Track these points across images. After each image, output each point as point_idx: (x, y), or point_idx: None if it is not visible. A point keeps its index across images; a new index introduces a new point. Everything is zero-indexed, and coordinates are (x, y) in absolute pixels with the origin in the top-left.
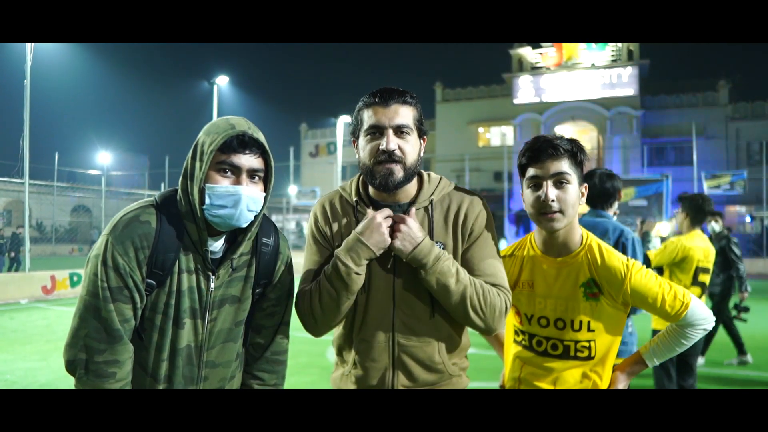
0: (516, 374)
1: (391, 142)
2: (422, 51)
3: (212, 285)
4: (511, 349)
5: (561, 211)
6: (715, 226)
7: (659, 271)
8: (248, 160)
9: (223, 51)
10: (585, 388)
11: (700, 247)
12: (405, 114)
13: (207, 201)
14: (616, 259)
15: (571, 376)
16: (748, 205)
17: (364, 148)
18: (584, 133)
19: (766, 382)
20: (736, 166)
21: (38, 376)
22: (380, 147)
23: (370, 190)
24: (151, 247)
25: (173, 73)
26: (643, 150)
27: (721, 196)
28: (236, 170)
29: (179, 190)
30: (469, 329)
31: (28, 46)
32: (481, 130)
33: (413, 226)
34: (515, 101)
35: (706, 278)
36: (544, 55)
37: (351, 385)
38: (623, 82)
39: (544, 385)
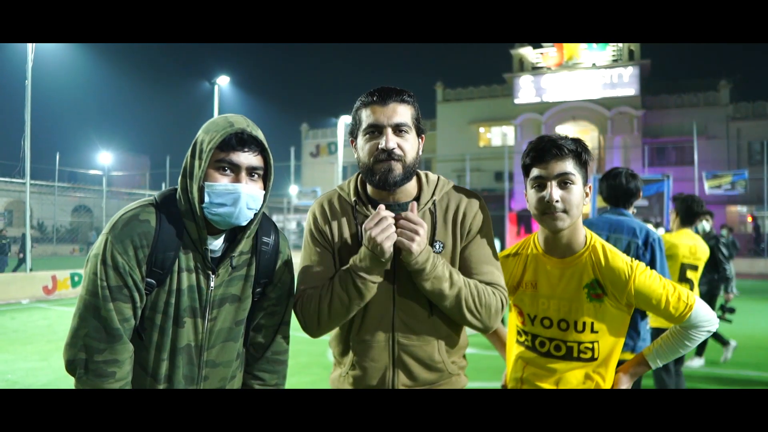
0: (518, 375)
1: (390, 140)
2: (423, 51)
3: (212, 284)
4: (514, 349)
5: (565, 211)
6: (705, 225)
7: None
8: (247, 158)
9: (224, 51)
10: (587, 389)
11: (686, 244)
12: (403, 112)
13: (206, 199)
14: (620, 260)
15: (573, 377)
16: (749, 205)
17: (362, 147)
18: (585, 133)
19: (766, 382)
20: (737, 165)
21: (39, 376)
22: (379, 146)
23: (369, 189)
24: (150, 246)
25: (174, 74)
26: (644, 150)
27: (722, 195)
28: (235, 168)
29: (179, 189)
30: (467, 328)
31: (30, 46)
32: (482, 130)
33: (424, 229)
34: (516, 101)
35: (693, 275)
36: (545, 55)
37: (350, 385)
38: (624, 82)
39: (547, 385)
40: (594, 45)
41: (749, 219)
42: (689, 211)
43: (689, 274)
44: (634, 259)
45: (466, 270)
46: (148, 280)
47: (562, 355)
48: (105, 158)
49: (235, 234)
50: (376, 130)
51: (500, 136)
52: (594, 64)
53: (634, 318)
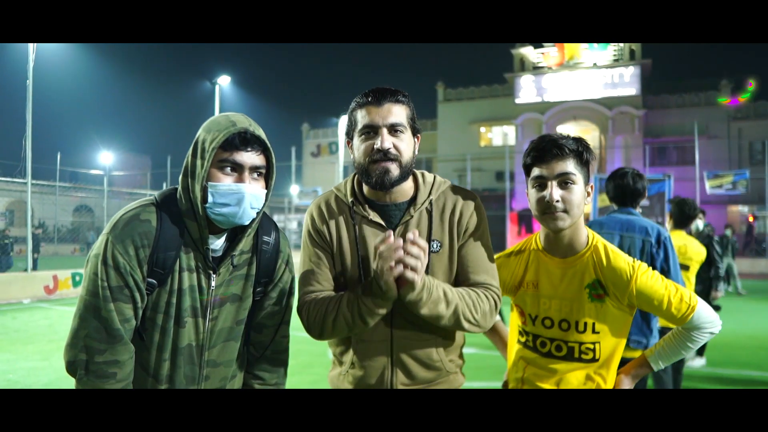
0: (519, 375)
1: (386, 140)
2: (424, 51)
3: (213, 283)
4: (515, 349)
5: (566, 211)
6: (699, 223)
7: None
8: (250, 158)
9: (225, 51)
10: (588, 389)
11: (675, 245)
12: (398, 113)
13: (210, 199)
14: (621, 260)
15: (574, 378)
16: (751, 204)
17: (358, 147)
18: (586, 133)
19: (767, 382)
20: (739, 165)
21: (40, 376)
22: (375, 146)
23: (365, 190)
24: (151, 246)
25: (175, 73)
26: (645, 150)
27: (723, 195)
28: (238, 168)
29: (179, 188)
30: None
31: (31, 46)
32: (482, 129)
33: (425, 257)
34: (517, 101)
35: (685, 275)
36: (546, 54)
37: (349, 385)
38: (625, 82)
39: (547, 386)
40: (595, 45)
41: (750, 219)
42: (681, 214)
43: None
44: (636, 259)
45: (462, 270)
46: (149, 280)
47: (564, 356)
48: (106, 158)
49: (235, 233)
50: (371, 131)
51: (501, 135)
52: (595, 64)
53: (647, 316)
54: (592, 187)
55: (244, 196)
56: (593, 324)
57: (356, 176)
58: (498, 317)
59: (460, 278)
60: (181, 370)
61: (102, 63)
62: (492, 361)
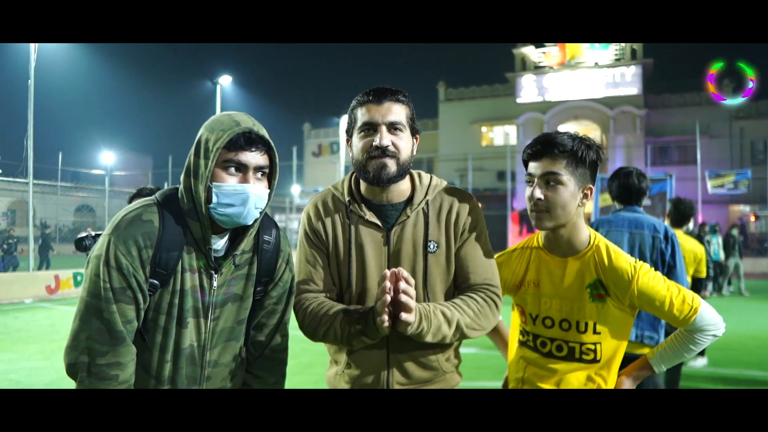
0: (519, 375)
1: (385, 137)
2: (425, 50)
3: (215, 283)
4: (516, 349)
5: (548, 211)
6: (690, 225)
7: None
8: (255, 158)
9: (226, 51)
10: (587, 389)
11: None
12: (398, 111)
13: (214, 200)
14: (623, 260)
15: (575, 379)
16: (752, 204)
17: (357, 144)
18: (587, 132)
19: None
20: (740, 165)
21: (42, 376)
22: (374, 143)
23: (363, 189)
24: (154, 247)
25: (176, 73)
26: (647, 149)
27: (725, 195)
28: (243, 168)
29: (181, 188)
30: None
31: (32, 46)
32: (484, 129)
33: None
34: (518, 100)
35: None
36: (547, 54)
37: (345, 384)
38: (626, 81)
39: (548, 386)
40: (596, 44)
41: (752, 218)
42: (678, 213)
43: None
44: (638, 260)
45: (461, 271)
46: (152, 280)
47: (564, 356)
48: (107, 158)
49: (237, 232)
50: (371, 128)
51: (502, 135)
52: (596, 63)
53: None
54: (590, 189)
55: (248, 196)
56: (594, 324)
57: (353, 175)
58: (499, 317)
59: (460, 280)
60: (183, 371)
61: (103, 63)
62: (492, 361)
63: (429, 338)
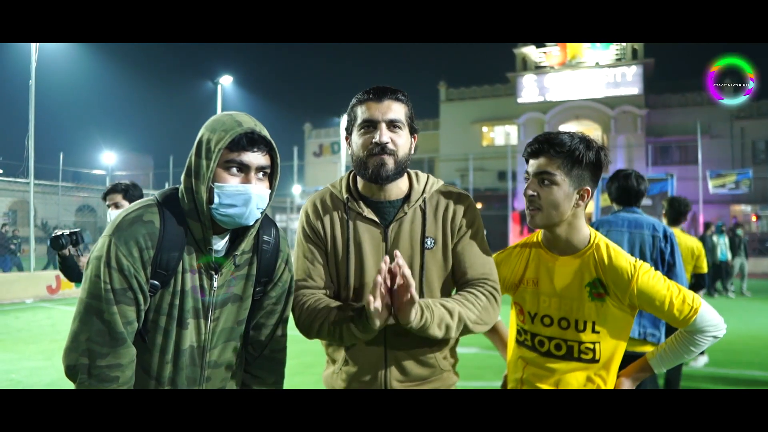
0: (518, 375)
1: (384, 134)
2: (426, 51)
3: (215, 284)
4: (514, 349)
5: (540, 209)
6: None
7: None
8: (257, 158)
9: (227, 51)
10: (586, 389)
11: None
12: (397, 109)
13: (216, 200)
14: (623, 259)
15: (574, 379)
16: (754, 204)
17: (357, 142)
18: (588, 132)
19: None
20: (741, 164)
21: (43, 376)
22: (373, 140)
23: (360, 186)
24: (155, 247)
25: (177, 73)
26: (648, 149)
27: (726, 195)
28: (245, 168)
29: (181, 189)
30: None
31: (33, 46)
32: (485, 129)
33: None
34: (519, 100)
35: None
36: (548, 54)
37: (342, 382)
38: (627, 81)
39: (546, 387)
40: (597, 44)
41: (753, 218)
42: (674, 211)
43: None
44: (638, 259)
45: (458, 267)
46: (153, 281)
47: (563, 355)
48: (108, 158)
49: (237, 233)
50: (370, 125)
51: (503, 135)
52: (597, 63)
53: None
54: (587, 191)
55: (250, 196)
56: (593, 323)
57: (351, 174)
58: (498, 317)
59: (457, 275)
60: (183, 372)
61: (104, 63)
62: (493, 361)
63: (434, 330)
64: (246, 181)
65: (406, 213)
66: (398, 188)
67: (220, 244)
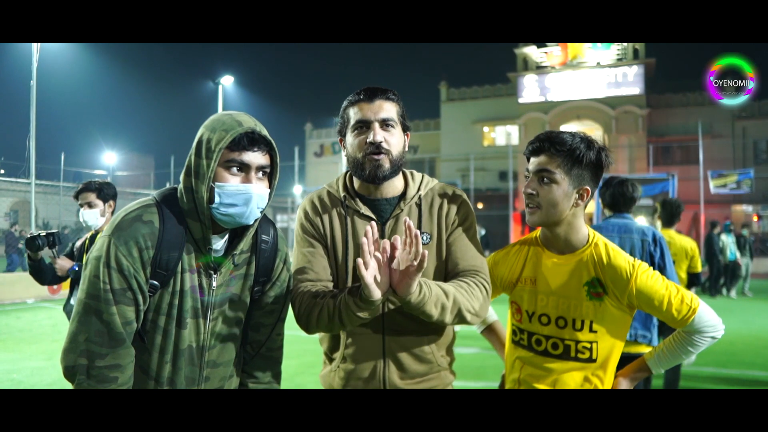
0: (516, 375)
1: (378, 134)
2: (427, 51)
3: (214, 283)
4: (511, 350)
5: (538, 207)
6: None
7: None
8: (257, 158)
9: (227, 51)
10: (584, 389)
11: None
12: (389, 108)
13: (216, 199)
14: (622, 259)
15: (571, 379)
16: (755, 204)
17: (351, 143)
18: (590, 132)
19: None
20: (743, 164)
21: (44, 376)
22: (368, 140)
23: (357, 185)
24: (155, 247)
25: (178, 73)
26: (649, 149)
27: (727, 195)
28: (245, 168)
29: (181, 188)
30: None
31: (34, 47)
32: (486, 129)
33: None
34: (520, 100)
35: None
36: (549, 54)
37: (340, 380)
38: (629, 81)
39: (544, 387)
40: (598, 44)
41: (755, 218)
42: (666, 213)
43: None
44: (636, 259)
45: (450, 258)
46: (152, 281)
47: (560, 354)
48: (109, 158)
49: (236, 232)
50: (364, 126)
51: (504, 135)
52: (598, 63)
53: None
54: (586, 190)
55: (251, 196)
56: (590, 323)
57: (348, 173)
58: (496, 317)
59: (449, 267)
60: (182, 371)
61: (105, 63)
62: (493, 361)
63: (431, 307)
64: (246, 180)
65: (402, 209)
66: (394, 186)
67: (219, 243)
